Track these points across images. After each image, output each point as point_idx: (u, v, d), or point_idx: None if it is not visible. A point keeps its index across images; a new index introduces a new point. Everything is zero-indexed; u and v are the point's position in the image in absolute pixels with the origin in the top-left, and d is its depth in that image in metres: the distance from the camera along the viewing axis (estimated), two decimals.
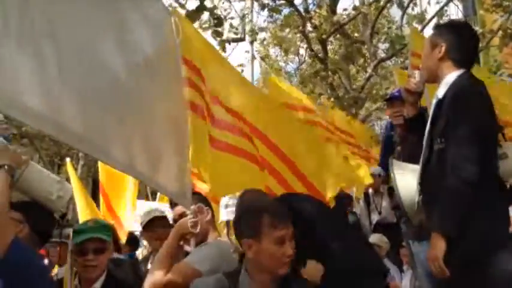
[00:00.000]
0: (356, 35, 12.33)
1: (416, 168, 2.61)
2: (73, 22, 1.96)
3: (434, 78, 2.59)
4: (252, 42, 11.76)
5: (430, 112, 2.57)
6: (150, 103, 2.51)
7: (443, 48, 2.53)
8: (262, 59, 13.27)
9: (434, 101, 2.54)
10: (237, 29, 10.44)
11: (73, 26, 1.95)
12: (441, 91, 2.48)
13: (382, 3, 10.64)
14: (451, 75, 2.50)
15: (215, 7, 7.31)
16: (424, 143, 2.52)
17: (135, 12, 2.52)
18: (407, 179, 2.72)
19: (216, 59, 3.54)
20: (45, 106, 1.75)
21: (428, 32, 11.09)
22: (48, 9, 1.82)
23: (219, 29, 7.88)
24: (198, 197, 2.89)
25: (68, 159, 7.74)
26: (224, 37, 8.86)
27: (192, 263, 2.60)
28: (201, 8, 5.75)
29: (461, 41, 2.56)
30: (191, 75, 2.98)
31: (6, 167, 2.30)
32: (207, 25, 8.36)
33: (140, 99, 2.40)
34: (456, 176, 2.23)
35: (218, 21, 7.73)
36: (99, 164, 6.06)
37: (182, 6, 6.52)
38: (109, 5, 2.27)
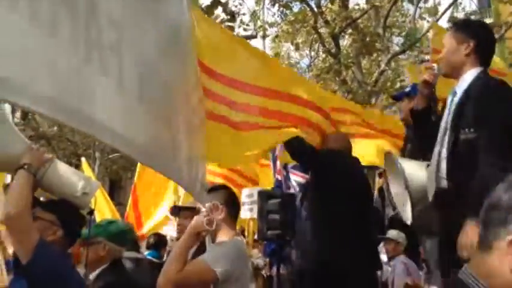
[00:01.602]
0: (370, 30, 12.24)
1: (420, 162, 2.70)
2: (135, 36, 2.01)
3: (456, 73, 2.67)
4: (263, 38, 11.74)
5: (451, 104, 2.63)
6: (167, 91, 2.53)
7: (471, 45, 2.62)
8: (275, 55, 13.23)
9: (458, 94, 2.61)
10: (247, 25, 10.44)
11: (134, 39, 2.00)
12: (463, 85, 2.58)
13: None
14: (473, 71, 2.61)
15: (227, 2, 7.32)
16: (447, 132, 2.58)
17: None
18: (413, 166, 2.83)
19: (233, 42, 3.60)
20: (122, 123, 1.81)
21: (442, 25, 11.01)
22: (122, 26, 1.87)
23: (232, 24, 7.90)
24: (217, 194, 2.86)
25: (83, 159, 7.79)
26: (235, 33, 8.88)
27: (207, 261, 2.61)
28: (215, 4, 5.78)
29: (488, 41, 2.71)
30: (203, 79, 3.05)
31: (26, 166, 2.30)
32: (218, 20, 8.38)
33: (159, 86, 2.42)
34: (492, 164, 2.29)
35: (231, 16, 7.76)
36: (138, 166, 6.05)
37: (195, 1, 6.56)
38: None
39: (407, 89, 4.27)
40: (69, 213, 2.54)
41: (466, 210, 2.31)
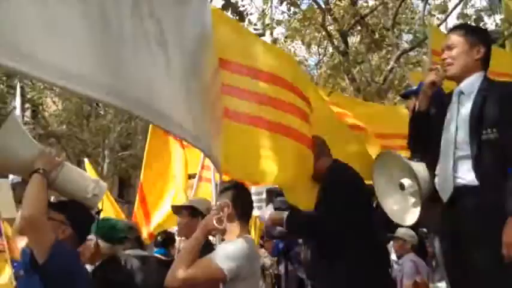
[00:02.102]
0: (380, 25, 12.18)
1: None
2: (175, 29, 2.07)
3: (463, 75, 2.76)
4: (271, 35, 11.72)
5: (459, 106, 2.72)
6: (202, 70, 2.57)
7: (482, 50, 2.76)
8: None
9: (470, 97, 2.70)
10: (255, 24, 10.42)
11: (176, 33, 2.06)
12: (470, 88, 2.72)
13: None
14: (478, 75, 2.76)
15: (237, 2, 7.32)
16: (460, 133, 2.67)
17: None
18: (417, 165, 2.90)
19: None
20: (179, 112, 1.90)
21: (452, 21, 10.94)
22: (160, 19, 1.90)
23: (241, 23, 7.88)
24: (226, 193, 2.86)
25: (86, 160, 7.81)
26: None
27: (215, 259, 2.62)
28: (226, 5, 5.78)
29: (490, 49, 2.86)
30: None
31: (41, 170, 2.41)
32: None
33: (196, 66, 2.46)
34: None
35: (240, 16, 7.74)
36: (144, 164, 6.01)
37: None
38: None
39: (415, 87, 4.26)
40: (78, 213, 2.65)
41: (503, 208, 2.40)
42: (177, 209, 4.15)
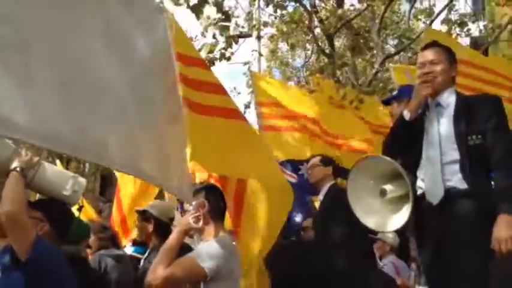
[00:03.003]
0: (365, 29, 12.25)
1: None
2: (48, 31, 1.98)
3: (442, 89, 3.01)
4: (259, 38, 11.71)
5: (438, 116, 2.96)
6: (149, 101, 2.55)
7: (456, 69, 3.12)
8: (272, 52, 13.22)
9: (449, 107, 2.96)
10: (243, 27, 10.40)
11: (48, 35, 1.97)
12: (448, 99, 2.99)
13: None
14: (452, 89, 3.06)
15: (222, 2, 7.28)
16: (444, 140, 2.88)
17: (125, 16, 2.55)
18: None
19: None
20: (27, 117, 1.81)
21: (437, 26, 11.04)
22: (18, 20, 1.84)
23: (227, 24, 7.86)
24: (199, 195, 2.86)
25: (58, 162, 7.77)
26: (234, 36, 8.85)
27: (196, 259, 2.61)
28: (203, 1, 5.75)
29: None
30: (185, 69, 3.04)
31: (18, 169, 2.42)
32: (214, 21, 8.33)
33: (138, 98, 2.44)
34: None
35: (226, 16, 7.72)
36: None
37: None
38: (94, 11, 2.30)
39: (395, 93, 4.31)
40: (55, 209, 2.67)
41: (498, 206, 2.62)
42: (138, 214, 4.29)
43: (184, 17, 6.23)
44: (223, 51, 8.33)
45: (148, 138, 2.47)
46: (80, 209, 2.86)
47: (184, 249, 2.82)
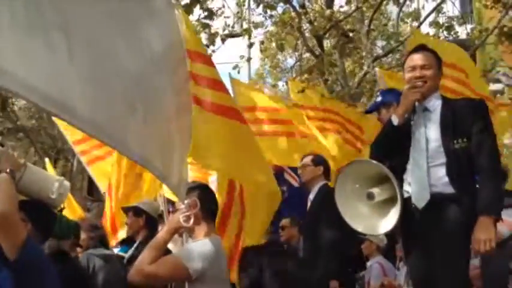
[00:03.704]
0: (353, 32, 12.30)
1: None
2: (83, 16, 2.03)
3: (430, 94, 3.05)
4: (250, 46, 11.70)
5: (425, 120, 3.00)
6: (159, 96, 2.59)
7: (441, 73, 3.18)
8: (262, 50, 13.21)
9: (436, 112, 3.00)
10: (233, 27, 10.39)
11: (83, 19, 2.02)
12: (434, 104, 3.04)
13: (376, 0, 10.59)
14: (438, 93, 3.12)
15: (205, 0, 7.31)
16: (431, 143, 2.92)
17: (141, 7, 2.58)
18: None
19: None
20: (54, 88, 1.82)
21: (425, 29, 11.12)
22: (58, 3, 1.89)
23: (209, 22, 7.89)
24: (192, 194, 2.85)
25: (47, 160, 7.77)
26: (217, 33, 8.86)
27: (180, 258, 2.61)
28: (194, 1, 5.78)
29: None
30: (195, 66, 3.08)
31: (8, 170, 2.40)
32: (196, 18, 8.33)
33: (150, 92, 2.47)
34: (497, 166, 2.85)
35: (208, 13, 7.73)
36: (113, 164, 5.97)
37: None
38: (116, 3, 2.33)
39: (379, 99, 4.32)
40: (37, 210, 2.69)
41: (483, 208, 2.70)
42: (125, 211, 4.45)
43: None
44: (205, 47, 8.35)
45: (154, 132, 2.50)
46: (61, 211, 2.90)
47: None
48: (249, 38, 10.06)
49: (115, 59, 2.24)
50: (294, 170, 5.89)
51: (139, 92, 2.35)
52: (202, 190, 2.90)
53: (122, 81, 2.25)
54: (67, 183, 2.86)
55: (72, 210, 5.91)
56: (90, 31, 2.05)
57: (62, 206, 2.88)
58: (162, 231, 2.79)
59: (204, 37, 8.21)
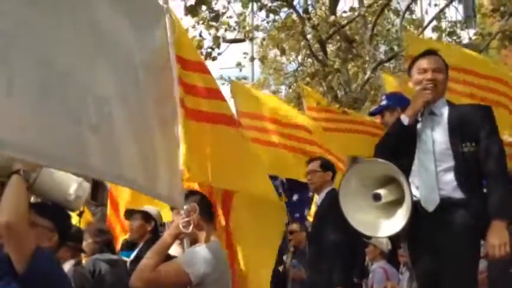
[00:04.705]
0: (356, 37, 12.31)
1: None
2: (28, 32, 1.85)
3: (437, 98, 3.06)
4: (251, 40, 11.70)
5: (433, 124, 3.01)
6: (139, 105, 2.45)
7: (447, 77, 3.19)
8: (261, 60, 13.21)
9: (443, 116, 3.02)
10: (235, 29, 10.41)
11: (28, 36, 1.84)
12: (442, 108, 3.06)
13: (378, 7, 10.59)
14: (444, 98, 3.14)
15: (211, 2, 7.33)
16: (438, 146, 2.94)
17: (117, 16, 2.41)
18: None
19: None
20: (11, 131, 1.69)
21: (427, 34, 11.11)
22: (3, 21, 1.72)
23: (214, 23, 7.90)
24: (190, 200, 2.86)
25: None
26: (221, 36, 8.88)
27: (181, 264, 2.62)
28: (200, 2, 5.80)
29: None
30: (184, 74, 3.03)
31: (21, 171, 2.22)
32: (201, 20, 8.33)
33: (126, 102, 2.33)
34: (506, 170, 2.84)
35: (215, 15, 7.77)
36: None
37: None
38: (79, 10, 2.13)
39: (384, 102, 4.31)
40: (64, 218, 2.57)
41: (492, 213, 2.72)
42: (129, 213, 4.41)
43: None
44: (209, 50, 8.39)
45: (136, 144, 2.37)
46: (80, 215, 2.71)
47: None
48: (250, 36, 10.06)
49: (73, 77, 2.03)
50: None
51: (115, 104, 2.19)
52: (201, 195, 2.91)
53: (94, 96, 2.09)
54: (86, 185, 2.68)
55: (84, 217, 5.89)
56: (45, 49, 1.86)
57: (81, 209, 2.69)
58: (163, 236, 2.81)
59: (208, 39, 8.24)
